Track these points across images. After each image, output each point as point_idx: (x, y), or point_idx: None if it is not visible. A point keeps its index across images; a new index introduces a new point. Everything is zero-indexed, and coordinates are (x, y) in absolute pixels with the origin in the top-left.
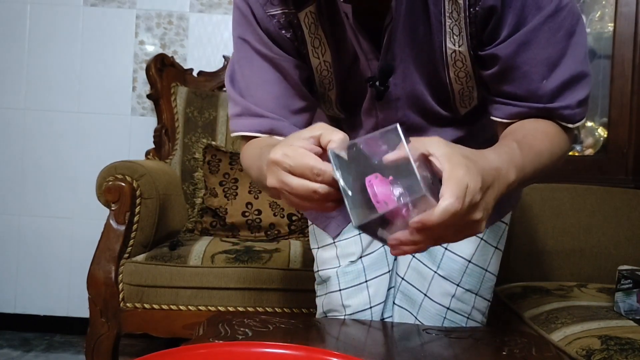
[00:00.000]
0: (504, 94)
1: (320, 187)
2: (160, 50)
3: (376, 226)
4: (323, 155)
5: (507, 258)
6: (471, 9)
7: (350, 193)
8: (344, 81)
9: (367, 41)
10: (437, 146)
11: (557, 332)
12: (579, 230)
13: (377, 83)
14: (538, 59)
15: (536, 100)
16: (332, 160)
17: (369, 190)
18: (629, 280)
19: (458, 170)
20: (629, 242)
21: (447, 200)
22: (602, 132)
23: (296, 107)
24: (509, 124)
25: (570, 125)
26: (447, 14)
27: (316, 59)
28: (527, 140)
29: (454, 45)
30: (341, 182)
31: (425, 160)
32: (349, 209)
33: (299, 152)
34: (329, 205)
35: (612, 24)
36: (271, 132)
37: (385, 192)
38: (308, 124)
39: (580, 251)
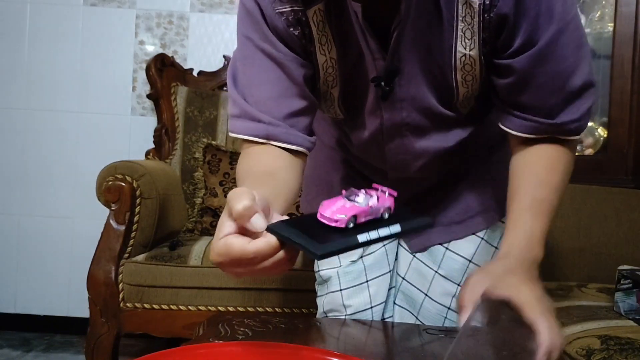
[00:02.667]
0: (515, 104)
1: (266, 264)
2: (161, 50)
3: (348, 243)
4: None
5: None
6: (485, 15)
7: (297, 237)
8: (348, 79)
9: (374, 41)
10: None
11: None
12: (578, 230)
13: (383, 83)
14: (553, 72)
15: (547, 113)
16: (275, 234)
17: (321, 220)
18: (629, 280)
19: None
20: (629, 242)
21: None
22: (602, 132)
23: (297, 107)
24: (518, 136)
25: (575, 138)
26: (459, 18)
27: (323, 56)
28: (541, 188)
29: (465, 49)
30: (285, 235)
31: None
32: (305, 248)
33: (224, 247)
34: (286, 267)
35: (612, 24)
36: (267, 138)
37: (337, 207)
38: (308, 127)
39: (580, 251)
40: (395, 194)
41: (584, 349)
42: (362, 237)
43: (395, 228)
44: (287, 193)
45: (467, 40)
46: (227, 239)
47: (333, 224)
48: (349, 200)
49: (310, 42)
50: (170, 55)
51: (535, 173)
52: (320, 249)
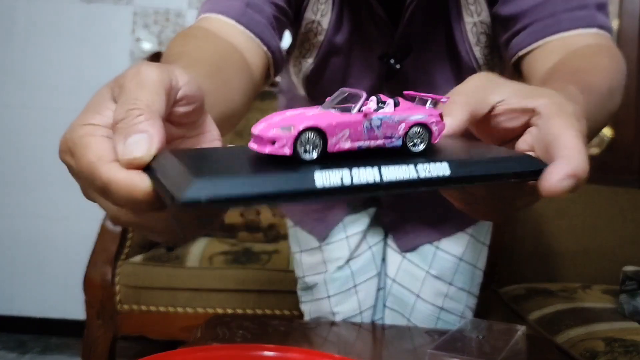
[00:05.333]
0: (513, 17)
1: (127, 218)
2: (158, 48)
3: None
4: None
5: (510, 259)
6: None
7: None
8: (329, 53)
9: (383, 14)
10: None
11: (561, 334)
12: (583, 231)
13: (392, 61)
14: None
15: (545, 8)
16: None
17: (251, 147)
18: (634, 282)
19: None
20: (634, 243)
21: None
22: (607, 132)
23: (280, 2)
24: (527, 62)
25: (591, 31)
26: None
27: (312, 14)
28: (583, 78)
29: (472, 16)
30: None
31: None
32: (165, 190)
33: (79, 143)
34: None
35: (617, 21)
36: (239, 20)
37: (285, 117)
38: (279, 39)
39: (585, 252)
40: (446, 100)
41: (588, 352)
42: (321, 177)
43: (433, 168)
44: (228, 100)
45: (471, 7)
46: (92, 131)
47: (266, 151)
48: (329, 108)
49: None
50: None
51: (572, 68)
52: (185, 190)
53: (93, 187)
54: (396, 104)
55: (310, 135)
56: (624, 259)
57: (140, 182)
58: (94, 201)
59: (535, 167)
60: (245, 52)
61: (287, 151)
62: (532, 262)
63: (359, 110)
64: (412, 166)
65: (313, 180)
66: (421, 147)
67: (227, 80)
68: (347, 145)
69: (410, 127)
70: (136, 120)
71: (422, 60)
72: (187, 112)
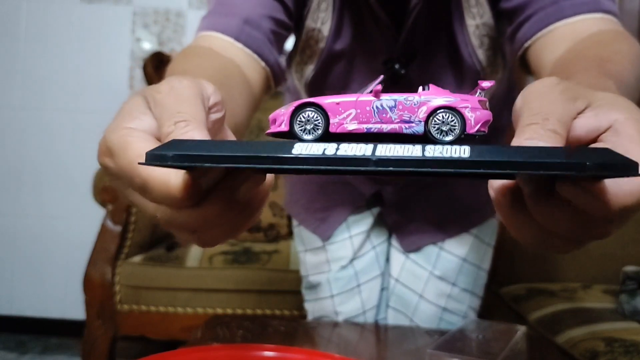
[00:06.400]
0: (516, 9)
1: (160, 212)
2: (158, 48)
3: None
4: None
5: (511, 259)
6: None
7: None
8: (330, 60)
9: (387, 19)
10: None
11: (562, 335)
12: None
13: (397, 66)
14: None
15: None
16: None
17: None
18: (634, 282)
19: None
20: (635, 243)
21: None
22: None
23: (279, 17)
24: (533, 45)
25: (598, 15)
26: None
27: (313, 22)
28: (610, 69)
29: (475, 19)
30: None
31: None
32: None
33: (119, 143)
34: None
35: None
36: (237, 38)
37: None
38: (278, 54)
39: (585, 252)
40: (489, 84)
41: (588, 352)
42: (300, 146)
43: (447, 150)
44: (232, 115)
45: (473, 9)
46: (130, 133)
47: (269, 130)
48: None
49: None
50: (167, 52)
51: (600, 56)
52: (159, 148)
53: (132, 186)
54: (425, 89)
55: (310, 114)
56: (624, 259)
57: (176, 179)
58: (133, 203)
59: (620, 160)
60: (244, 68)
61: (284, 128)
62: (532, 262)
63: (371, 92)
64: (419, 146)
65: (290, 148)
66: (450, 136)
67: (230, 97)
68: (352, 126)
69: (435, 111)
70: (184, 130)
71: (425, 65)
72: (218, 118)
